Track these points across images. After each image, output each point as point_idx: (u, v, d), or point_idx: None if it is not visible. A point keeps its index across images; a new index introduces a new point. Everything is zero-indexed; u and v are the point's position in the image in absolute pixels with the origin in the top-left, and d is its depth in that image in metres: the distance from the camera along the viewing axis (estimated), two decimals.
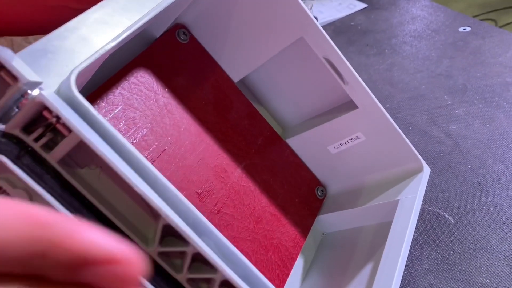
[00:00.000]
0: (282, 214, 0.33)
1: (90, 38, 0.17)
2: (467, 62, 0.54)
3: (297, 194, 0.35)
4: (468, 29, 0.61)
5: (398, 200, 0.30)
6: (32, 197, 0.14)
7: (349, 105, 0.31)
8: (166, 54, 0.30)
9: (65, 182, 0.14)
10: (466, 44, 0.57)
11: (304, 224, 0.35)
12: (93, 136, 0.14)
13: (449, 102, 0.48)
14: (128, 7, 0.19)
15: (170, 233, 0.16)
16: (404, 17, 0.72)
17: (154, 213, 0.15)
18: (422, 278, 0.32)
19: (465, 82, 0.50)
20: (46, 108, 0.13)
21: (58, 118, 0.13)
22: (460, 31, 0.61)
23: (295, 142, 0.35)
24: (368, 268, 0.31)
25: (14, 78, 0.13)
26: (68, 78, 0.15)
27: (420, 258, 0.33)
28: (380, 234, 0.32)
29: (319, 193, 0.36)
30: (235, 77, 0.33)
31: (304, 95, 0.33)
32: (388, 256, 0.27)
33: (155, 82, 0.29)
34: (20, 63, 0.13)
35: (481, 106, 0.46)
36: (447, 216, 0.36)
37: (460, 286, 0.31)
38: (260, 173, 0.33)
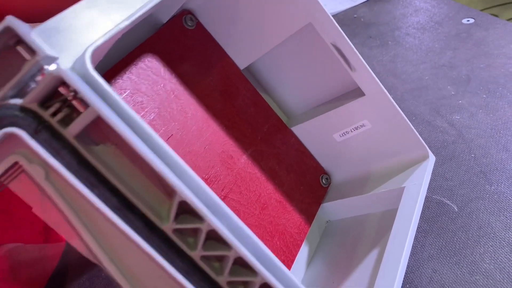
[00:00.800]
0: (287, 201, 0.33)
1: (102, 17, 0.17)
2: (470, 54, 0.54)
3: (302, 181, 0.35)
4: (472, 21, 0.61)
5: (404, 187, 0.30)
6: (48, 173, 0.15)
7: (355, 93, 0.31)
8: (173, 39, 0.30)
9: (81, 158, 0.14)
10: (469, 35, 0.57)
11: (309, 211, 0.35)
12: (110, 113, 0.14)
13: (453, 93, 0.48)
14: None
15: (185, 211, 0.16)
16: (407, 9, 0.72)
17: (168, 191, 0.15)
18: (425, 264, 0.32)
19: (468, 73, 0.50)
20: (63, 83, 0.13)
21: (75, 93, 0.13)
22: (463, 23, 0.61)
23: (300, 130, 0.35)
24: (373, 255, 0.31)
25: (32, 52, 0.13)
26: (83, 55, 0.15)
27: (424, 245, 0.34)
28: (385, 221, 0.32)
29: (323, 181, 0.36)
30: (241, 64, 0.33)
31: (310, 83, 0.33)
32: (394, 243, 0.28)
33: (162, 68, 0.29)
34: (38, 38, 0.13)
35: (484, 96, 0.46)
36: (451, 204, 0.36)
37: (464, 272, 0.31)
38: (266, 160, 0.33)
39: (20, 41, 0.13)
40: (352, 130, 0.33)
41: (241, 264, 0.16)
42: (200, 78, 0.31)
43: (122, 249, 0.15)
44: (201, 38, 0.31)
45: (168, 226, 0.15)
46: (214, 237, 0.16)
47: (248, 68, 0.34)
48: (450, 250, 0.33)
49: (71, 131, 0.14)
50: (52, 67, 0.13)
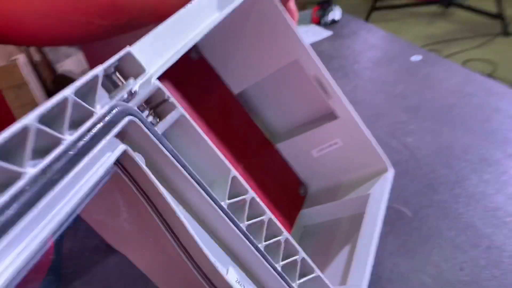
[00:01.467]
0: (272, 208, 0.39)
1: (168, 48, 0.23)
2: (419, 86, 0.63)
3: (284, 191, 0.41)
4: (419, 57, 0.71)
5: (369, 193, 0.37)
6: (149, 161, 0.19)
7: (330, 116, 0.37)
8: (180, 68, 0.35)
9: (172, 149, 0.19)
10: (417, 71, 0.67)
11: (289, 218, 0.41)
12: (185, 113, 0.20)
13: (405, 119, 0.57)
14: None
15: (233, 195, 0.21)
16: (364, 45, 0.81)
17: (224, 170, 0.21)
18: (387, 259, 0.39)
19: (417, 102, 0.59)
20: (159, 90, 0.19)
21: (168, 98, 0.19)
22: (412, 60, 0.71)
23: (283, 147, 0.41)
24: (345, 252, 0.38)
25: (142, 68, 0.18)
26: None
27: (385, 244, 0.40)
28: (354, 223, 0.39)
29: (301, 191, 0.43)
30: (235, 89, 0.39)
31: (293, 107, 0.39)
32: (363, 241, 0.34)
33: (171, 90, 0.34)
34: (143, 57, 0.19)
35: (430, 122, 0.55)
36: (406, 211, 0.43)
37: (418, 264, 0.38)
38: (255, 173, 0.39)
39: (132, 61, 0.18)
40: (327, 147, 0.40)
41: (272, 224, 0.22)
42: (201, 101, 0.36)
43: (205, 216, 0.20)
44: (203, 67, 0.37)
45: (225, 202, 0.21)
46: (253, 211, 0.22)
47: (241, 94, 0.40)
48: (406, 247, 0.40)
49: (161, 127, 0.19)
50: (153, 79, 0.19)
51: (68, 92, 0.15)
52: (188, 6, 0.25)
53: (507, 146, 0.48)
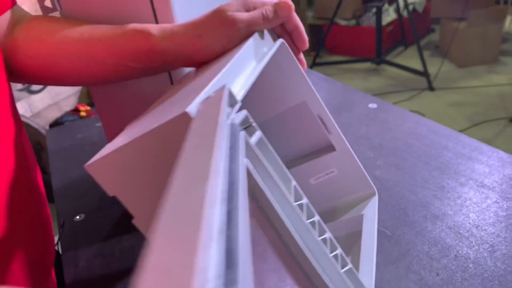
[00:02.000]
0: None
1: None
2: (379, 129, 0.74)
3: None
4: (375, 105, 0.82)
5: (363, 214, 0.44)
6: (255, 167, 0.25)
7: (329, 148, 0.45)
8: None
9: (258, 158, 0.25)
10: (376, 116, 0.78)
11: None
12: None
13: (372, 156, 0.66)
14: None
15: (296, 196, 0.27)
16: (326, 94, 0.93)
17: (287, 179, 0.27)
18: (376, 271, 0.46)
19: (380, 142, 0.69)
20: (247, 118, 0.25)
21: (252, 123, 0.25)
22: (370, 107, 0.82)
23: None
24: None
25: (235, 100, 0.24)
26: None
27: None
28: (350, 240, 0.45)
29: None
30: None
31: (297, 141, 0.47)
32: (365, 252, 0.41)
33: None
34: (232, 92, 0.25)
35: (394, 158, 0.65)
36: (386, 230, 0.51)
37: (402, 273, 0.45)
38: None
39: (230, 94, 0.24)
40: (323, 175, 0.47)
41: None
42: None
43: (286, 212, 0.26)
44: None
45: (292, 201, 0.27)
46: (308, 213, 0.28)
47: None
48: (390, 260, 0.47)
49: (252, 141, 0.25)
50: (243, 111, 0.25)
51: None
52: (236, 58, 0.31)
53: (458, 176, 0.58)
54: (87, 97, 2.59)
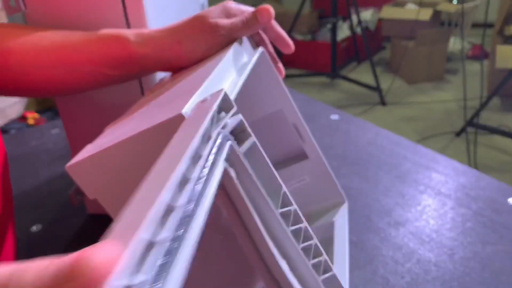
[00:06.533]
0: None
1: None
2: (342, 139, 0.76)
3: None
4: (337, 116, 0.85)
5: (334, 221, 0.46)
6: (238, 174, 0.25)
7: (302, 156, 0.46)
8: None
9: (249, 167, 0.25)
10: (338, 127, 0.81)
11: None
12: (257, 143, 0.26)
13: (336, 164, 0.68)
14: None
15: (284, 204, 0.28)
16: None
17: (277, 186, 0.27)
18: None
19: (344, 151, 0.72)
20: (241, 123, 0.25)
21: (246, 128, 0.25)
22: (332, 118, 0.85)
23: None
24: None
25: (232, 105, 0.24)
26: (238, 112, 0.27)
27: None
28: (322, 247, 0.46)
29: None
30: None
31: (270, 149, 0.47)
32: (338, 260, 0.42)
33: None
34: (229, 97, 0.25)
35: (357, 167, 0.67)
36: (352, 236, 0.53)
37: (369, 277, 0.47)
38: None
39: (226, 99, 0.25)
40: (295, 183, 0.48)
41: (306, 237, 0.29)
42: None
43: (268, 220, 0.26)
44: None
45: (277, 211, 0.27)
46: (295, 220, 0.28)
47: None
48: (357, 265, 0.48)
49: (241, 149, 0.25)
50: (237, 114, 0.25)
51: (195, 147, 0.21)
52: (218, 69, 0.31)
53: (417, 185, 0.61)
54: (36, 104, 2.47)
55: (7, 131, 2.17)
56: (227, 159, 0.24)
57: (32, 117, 2.33)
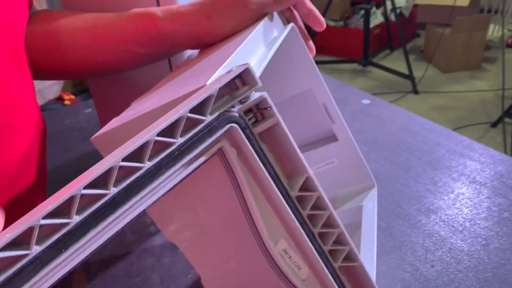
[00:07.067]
0: None
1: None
2: (372, 124, 0.74)
3: None
4: (368, 101, 0.83)
5: (362, 205, 0.44)
6: (238, 153, 0.25)
7: (331, 138, 0.45)
8: None
9: (260, 148, 0.25)
10: (369, 112, 0.79)
11: None
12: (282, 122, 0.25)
13: (366, 150, 0.67)
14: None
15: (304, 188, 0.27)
16: None
17: (300, 170, 0.26)
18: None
19: (374, 137, 0.70)
20: (264, 100, 0.24)
21: (270, 107, 0.24)
22: (363, 103, 0.83)
23: None
24: None
25: (256, 81, 0.24)
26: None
27: None
28: (350, 231, 0.45)
29: None
30: None
31: (299, 129, 0.46)
32: (366, 244, 0.41)
33: None
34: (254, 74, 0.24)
35: (387, 152, 0.65)
36: (381, 222, 0.51)
37: (397, 264, 0.45)
38: None
39: (249, 74, 0.24)
40: (323, 166, 0.47)
41: (327, 224, 0.28)
42: None
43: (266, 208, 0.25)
44: None
45: (294, 193, 0.26)
46: (317, 205, 0.27)
47: None
48: (385, 251, 0.47)
49: (257, 130, 0.25)
50: (257, 91, 0.24)
51: (183, 112, 0.21)
52: (246, 43, 0.30)
53: (451, 172, 0.59)
54: (72, 86, 2.54)
55: (44, 111, 2.25)
56: (229, 137, 0.24)
57: (68, 98, 2.39)
